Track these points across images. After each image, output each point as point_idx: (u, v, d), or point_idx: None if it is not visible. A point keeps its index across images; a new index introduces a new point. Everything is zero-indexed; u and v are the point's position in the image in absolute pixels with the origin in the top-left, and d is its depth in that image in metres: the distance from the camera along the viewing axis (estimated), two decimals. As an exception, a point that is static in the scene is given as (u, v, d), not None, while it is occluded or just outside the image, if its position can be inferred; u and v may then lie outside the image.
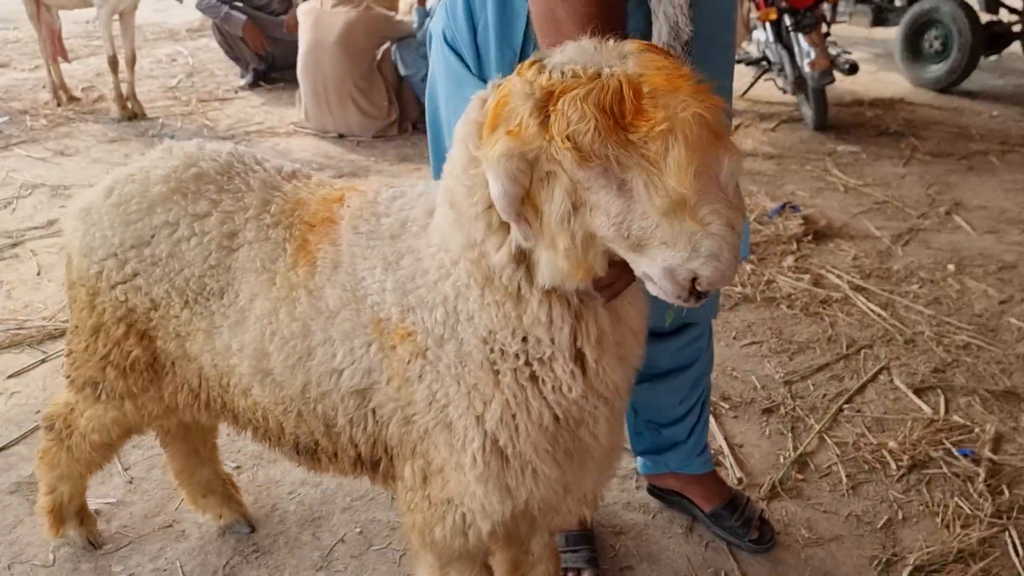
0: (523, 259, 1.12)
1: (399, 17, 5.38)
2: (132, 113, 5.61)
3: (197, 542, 2.14)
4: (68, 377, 1.74)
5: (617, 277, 1.12)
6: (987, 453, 2.43)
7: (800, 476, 2.36)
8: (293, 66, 6.43)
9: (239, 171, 1.54)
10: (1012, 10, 6.63)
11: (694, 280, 1.01)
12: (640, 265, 1.03)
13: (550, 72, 1.00)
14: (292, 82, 6.48)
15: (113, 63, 5.50)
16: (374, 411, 1.38)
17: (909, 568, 2.03)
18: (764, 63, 5.75)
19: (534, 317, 1.15)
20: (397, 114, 5.28)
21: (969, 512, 2.21)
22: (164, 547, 2.12)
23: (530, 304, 1.15)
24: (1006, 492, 2.28)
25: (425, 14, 5.07)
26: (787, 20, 5.15)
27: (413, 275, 1.27)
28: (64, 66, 6.02)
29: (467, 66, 1.58)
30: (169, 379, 1.62)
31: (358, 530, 2.18)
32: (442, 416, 1.29)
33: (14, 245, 3.77)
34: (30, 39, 8.23)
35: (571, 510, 1.46)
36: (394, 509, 2.24)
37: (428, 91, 1.75)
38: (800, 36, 5.07)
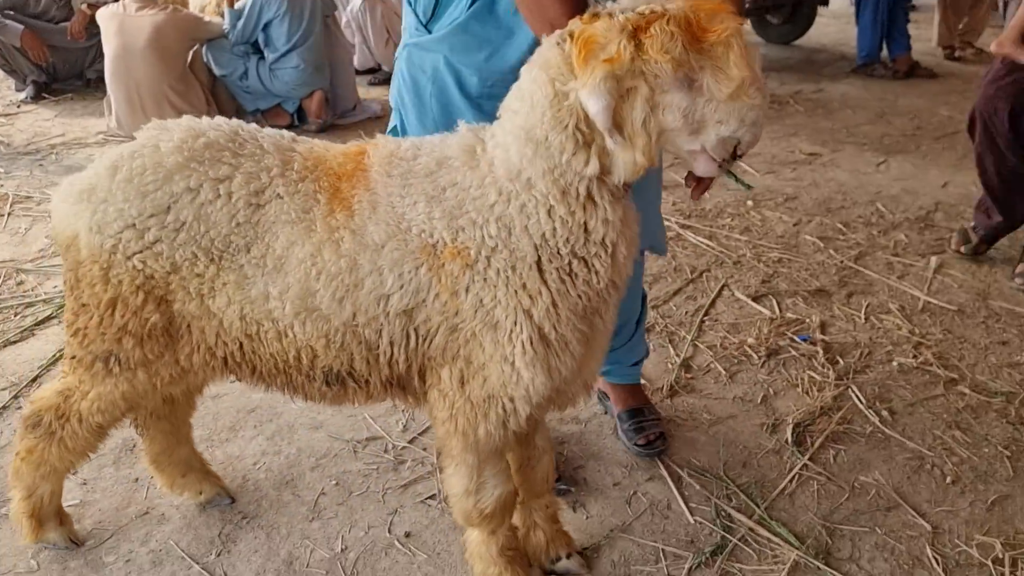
0: (595, 176, 1.43)
1: (207, 18, 5.31)
2: None
3: (181, 521, 2.20)
4: (74, 357, 1.77)
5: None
6: (819, 336, 3.04)
7: (689, 375, 2.83)
8: (78, 75, 6.15)
9: (246, 138, 1.68)
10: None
11: (736, 146, 1.38)
12: (696, 143, 1.39)
13: (618, 15, 1.32)
14: (81, 91, 6.17)
15: None
16: (417, 328, 1.61)
17: (790, 426, 2.55)
18: None
19: (602, 218, 1.46)
20: (215, 114, 5.20)
21: (820, 380, 2.79)
22: (150, 532, 2.17)
23: (599, 207, 1.46)
24: (840, 361, 2.89)
25: (237, 16, 5.07)
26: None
27: (461, 203, 1.52)
28: None
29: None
30: (184, 341, 1.72)
31: (334, 482, 2.34)
32: (488, 318, 1.55)
33: None
34: None
35: (576, 392, 1.78)
36: (361, 459, 2.43)
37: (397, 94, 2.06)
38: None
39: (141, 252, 1.64)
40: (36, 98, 5.98)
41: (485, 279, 1.54)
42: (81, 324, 1.74)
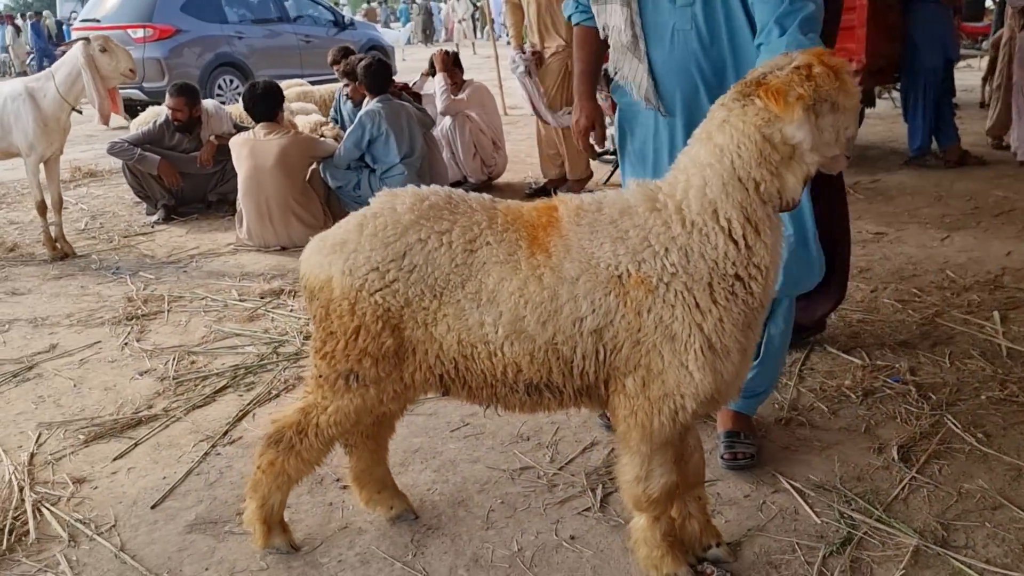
0: (777, 194, 1.91)
1: (321, 139, 6.05)
2: (63, 253, 5.80)
3: (376, 532, 2.59)
4: (320, 376, 2.23)
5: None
6: (909, 378, 3.38)
7: (796, 413, 3.18)
8: (200, 199, 6.91)
9: (458, 200, 2.18)
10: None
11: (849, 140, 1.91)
12: (836, 149, 1.90)
13: (790, 71, 1.84)
14: (203, 212, 6.91)
15: (41, 208, 5.72)
16: (606, 344, 2.03)
17: (895, 447, 2.87)
18: None
19: (764, 242, 1.91)
20: (331, 222, 5.85)
21: (916, 411, 3.11)
22: (352, 540, 2.56)
23: (763, 233, 1.91)
24: (932, 396, 3.21)
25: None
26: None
27: (644, 239, 1.97)
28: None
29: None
30: (409, 362, 2.17)
31: (500, 501, 2.72)
32: (667, 332, 1.97)
33: (29, 368, 3.97)
34: None
35: (729, 395, 2.16)
36: (518, 484, 2.81)
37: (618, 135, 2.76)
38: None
39: (382, 290, 2.11)
40: (166, 220, 6.72)
41: (664, 300, 1.97)
42: (329, 348, 2.21)
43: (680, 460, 2.28)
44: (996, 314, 3.93)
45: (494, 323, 2.06)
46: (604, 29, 2.68)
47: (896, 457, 2.81)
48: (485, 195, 2.26)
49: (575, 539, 2.50)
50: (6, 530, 2.66)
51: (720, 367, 1.99)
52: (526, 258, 2.06)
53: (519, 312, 2.04)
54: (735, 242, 1.92)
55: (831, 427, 3.06)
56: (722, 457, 2.79)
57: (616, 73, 2.72)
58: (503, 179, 7.62)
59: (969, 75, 12.77)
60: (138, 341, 4.25)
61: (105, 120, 5.57)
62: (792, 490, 2.67)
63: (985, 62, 10.88)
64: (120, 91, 6.30)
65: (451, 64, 7.09)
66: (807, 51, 1.91)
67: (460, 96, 7.06)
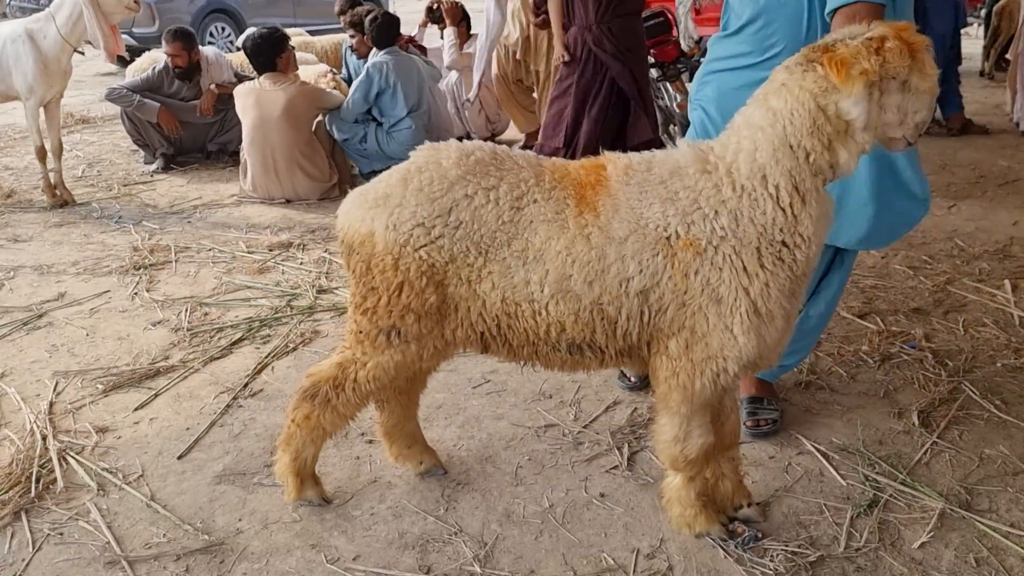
0: (830, 167, 1.88)
1: (328, 90, 5.95)
2: (63, 200, 5.71)
3: (406, 487, 2.61)
4: (360, 332, 2.21)
5: None
6: (925, 344, 3.42)
7: (815, 376, 3.21)
8: (200, 148, 6.80)
9: (503, 156, 2.15)
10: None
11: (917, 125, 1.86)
12: (899, 131, 1.85)
13: (861, 43, 1.79)
14: (202, 162, 6.81)
15: (41, 153, 5.61)
16: (651, 305, 2.02)
17: (915, 412, 2.91)
18: None
19: (809, 212, 1.90)
20: (337, 176, 5.80)
21: (934, 377, 3.15)
22: (383, 494, 2.57)
23: (809, 204, 1.89)
24: (949, 363, 3.25)
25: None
26: (654, 72, 6.27)
27: (694, 201, 1.96)
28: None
29: None
30: (451, 319, 2.16)
31: (527, 458, 2.74)
32: (714, 295, 1.97)
33: (39, 316, 3.92)
34: None
35: (771, 360, 2.17)
36: (544, 442, 2.83)
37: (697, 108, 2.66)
38: (667, 84, 6.20)
39: (427, 246, 2.09)
40: (165, 168, 6.61)
41: (712, 263, 1.96)
42: (370, 304, 2.19)
43: (716, 422, 2.29)
44: (1007, 283, 3.97)
45: (540, 282, 2.05)
46: None
47: (916, 422, 2.85)
48: (529, 151, 2.23)
49: (605, 496, 2.53)
50: (33, 478, 2.65)
51: (764, 331, 2.00)
52: (574, 217, 2.04)
53: (565, 271, 2.03)
54: (782, 209, 1.91)
55: (850, 391, 3.09)
56: (745, 424, 2.81)
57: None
58: (506, 136, 7.55)
59: (968, 43, 12.73)
60: (148, 291, 4.21)
61: (111, 58, 5.43)
62: (816, 453, 2.70)
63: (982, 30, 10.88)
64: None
65: (459, 17, 6.97)
66: (887, 23, 1.86)
67: (467, 51, 6.95)
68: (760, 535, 2.32)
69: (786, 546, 2.28)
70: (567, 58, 4.62)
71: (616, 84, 4.56)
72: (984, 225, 4.91)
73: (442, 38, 7.26)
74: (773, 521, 2.40)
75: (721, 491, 2.37)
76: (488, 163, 2.13)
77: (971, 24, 12.57)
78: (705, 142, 2.05)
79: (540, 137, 4.79)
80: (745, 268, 1.95)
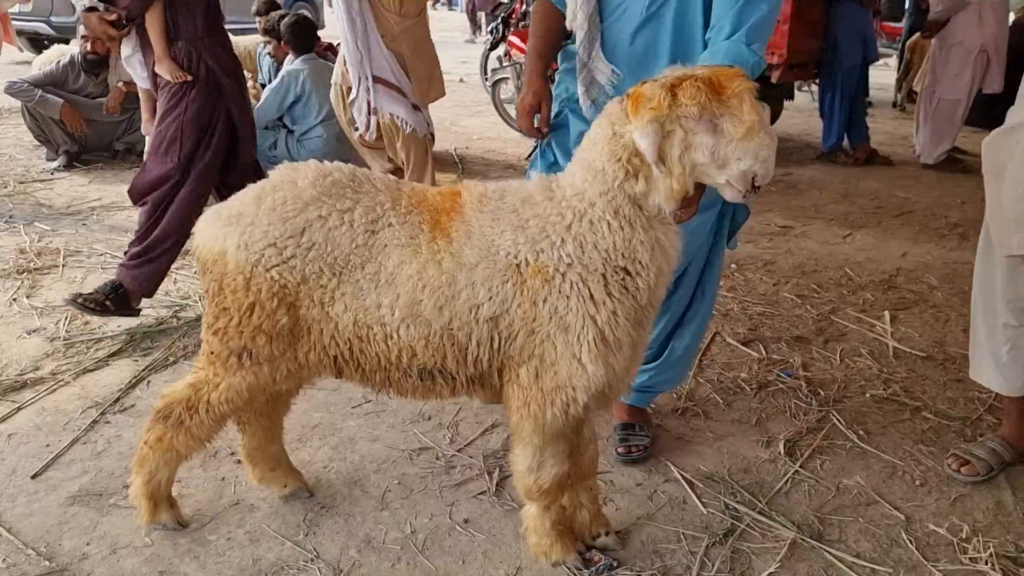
0: (642, 196, 1.89)
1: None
2: (-49, 197, 5.47)
3: (269, 510, 2.55)
4: (212, 353, 2.16)
5: (690, 203, 1.93)
6: (802, 373, 3.51)
7: (692, 403, 3.26)
8: (106, 147, 6.61)
9: (362, 179, 2.13)
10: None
11: (754, 178, 1.84)
12: (722, 176, 1.84)
13: (661, 81, 1.81)
14: (108, 161, 6.61)
15: (-71, 147, 5.36)
16: (501, 332, 2.03)
17: (782, 442, 2.98)
18: None
19: (639, 239, 1.92)
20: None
21: (804, 407, 3.23)
22: (243, 517, 2.52)
23: (636, 230, 1.91)
24: (821, 392, 3.35)
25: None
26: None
27: (542, 229, 1.97)
28: None
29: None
30: (304, 342, 2.12)
31: (396, 482, 2.71)
32: (561, 323, 1.98)
33: (-92, 321, 3.74)
34: None
35: (620, 390, 2.20)
36: (416, 465, 2.80)
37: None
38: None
39: (279, 266, 2.06)
40: (68, 167, 6.39)
41: (560, 291, 1.97)
42: (221, 324, 2.14)
43: (575, 452, 2.30)
44: (887, 314, 4.11)
45: (391, 305, 2.04)
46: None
47: (782, 451, 2.92)
48: (391, 176, 2.22)
49: (468, 523, 2.52)
50: None
51: (612, 360, 2.01)
52: (427, 242, 2.04)
53: (416, 295, 2.02)
54: (614, 234, 1.93)
55: (724, 419, 3.15)
56: (616, 451, 2.84)
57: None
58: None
59: (886, 74, 13.23)
60: (28, 297, 4.06)
61: None
62: (682, 480, 2.74)
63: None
64: (25, 24, 5.91)
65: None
66: (712, 67, 1.89)
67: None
68: (615, 564, 2.34)
69: (639, 575, 2.30)
70: (185, 77, 3.67)
71: (229, 104, 3.83)
72: (874, 255, 5.08)
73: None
74: (631, 549, 2.43)
75: (579, 520, 2.39)
76: (345, 185, 2.11)
77: (886, 56, 13.07)
78: (554, 174, 2.07)
79: (147, 157, 3.90)
80: (592, 296, 1.97)
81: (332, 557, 2.36)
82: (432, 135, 5.46)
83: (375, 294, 2.05)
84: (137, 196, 3.81)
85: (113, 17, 3.62)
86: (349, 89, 5.10)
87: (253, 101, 5.81)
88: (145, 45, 3.73)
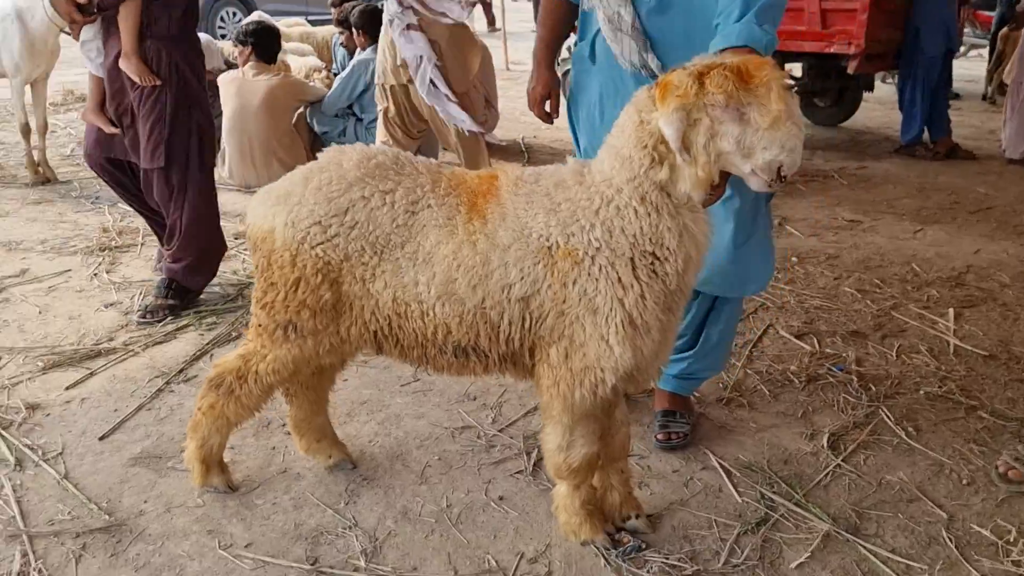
0: (668, 183, 1.91)
1: (311, 83, 6.02)
2: (44, 178, 5.82)
3: (313, 479, 2.67)
4: (260, 325, 2.28)
5: (716, 190, 1.95)
6: (854, 367, 3.45)
7: (738, 394, 3.25)
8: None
9: (404, 161, 2.21)
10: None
11: (779, 168, 1.84)
12: (747, 166, 1.85)
13: (689, 68, 1.83)
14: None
15: (25, 130, 5.71)
16: (532, 312, 2.08)
17: (826, 435, 2.95)
18: None
19: (666, 226, 1.94)
20: (314, 168, 5.87)
21: (854, 401, 3.18)
22: (289, 484, 2.64)
23: (663, 217, 1.94)
24: (872, 388, 3.28)
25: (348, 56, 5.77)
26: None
27: (573, 213, 2.01)
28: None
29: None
30: (346, 317, 2.22)
31: (437, 458, 2.80)
32: (590, 304, 2.02)
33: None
34: None
35: (651, 374, 2.23)
36: (458, 442, 2.88)
37: (569, 107, 2.72)
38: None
39: (323, 243, 2.15)
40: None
41: (589, 274, 2.01)
42: (269, 299, 2.25)
43: (606, 433, 2.34)
44: (951, 311, 3.99)
45: (427, 283, 2.11)
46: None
47: (825, 444, 2.89)
48: (433, 159, 2.29)
49: (503, 500, 2.58)
50: (-45, 450, 2.73)
51: (640, 343, 2.04)
52: (463, 223, 2.10)
53: (451, 274, 2.08)
54: (642, 220, 1.95)
55: (770, 410, 3.13)
56: (656, 438, 2.85)
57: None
58: (497, 132, 7.59)
59: (978, 64, 12.68)
60: (108, 273, 4.30)
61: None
62: (720, 468, 2.74)
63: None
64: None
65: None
66: (743, 55, 1.89)
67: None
68: (644, 546, 2.36)
69: (666, 558, 2.33)
70: (154, 80, 3.57)
71: (193, 106, 3.70)
72: (945, 251, 4.92)
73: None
74: (661, 533, 2.45)
75: (609, 501, 2.42)
76: (388, 167, 2.19)
77: (979, 47, 12.54)
78: (589, 159, 2.11)
79: (143, 160, 3.75)
80: (620, 279, 2.00)
81: (369, 526, 2.45)
82: (482, 126, 5.41)
83: (413, 272, 2.12)
84: (149, 199, 3.85)
85: (83, 1, 3.50)
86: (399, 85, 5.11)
87: (323, 88, 6.00)
88: (108, 35, 3.62)
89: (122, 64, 3.55)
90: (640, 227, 1.96)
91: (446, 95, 4.86)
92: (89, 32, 3.64)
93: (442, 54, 4.85)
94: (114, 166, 3.87)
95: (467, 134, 5.04)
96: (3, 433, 2.85)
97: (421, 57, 4.77)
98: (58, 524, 2.43)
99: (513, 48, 12.07)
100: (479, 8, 16.55)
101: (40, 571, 2.25)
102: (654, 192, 1.94)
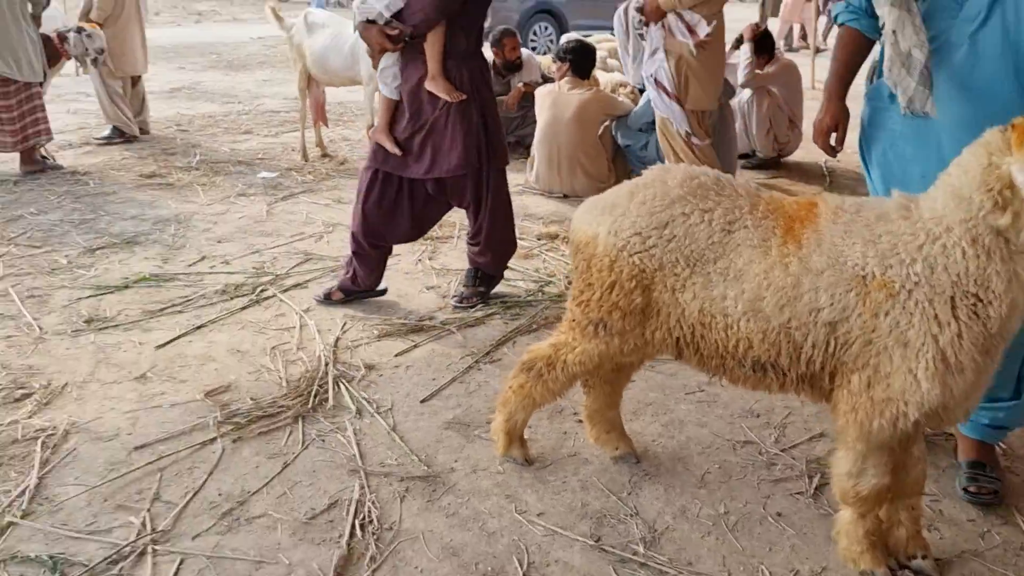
0: (1009, 230, 1.89)
1: (620, 98, 6.34)
2: (381, 172, 6.66)
3: (600, 465, 2.90)
4: (574, 320, 2.54)
5: None
6: None
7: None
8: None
9: (725, 183, 2.35)
10: None
11: None
12: None
13: None
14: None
15: (371, 130, 6.59)
16: (838, 338, 2.12)
17: None
18: None
19: (995, 269, 1.91)
20: (615, 178, 6.17)
21: None
22: (577, 467, 2.89)
23: (993, 260, 1.91)
24: None
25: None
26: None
27: (893, 246, 2.03)
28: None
29: None
30: (652, 321, 2.41)
31: (717, 466, 2.90)
32: (901, 337, 2.03)
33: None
34: (256, 111, 9.59)
35: (957, 415, 2.17)
36: (738, 455, 2.97)
37: (861, 142, 2.73)
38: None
39: (641, 252, 2.36)
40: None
41: (904, 307, 2.02)
42: (585, 298, 2.50)
43: (900, 467, 2.31)
44: None
45: (735, 298, 2.23)
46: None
47: None
48: (752, 183, 2.41)
49: (781, 516, 2.63)
50: (312, 394, 3.31)
51: (951, 382, 2.02)
52: (777, 245, 2.20)
53: (760, 292, 2.19)
54: (969, 261, 1.93)
55: (1088, 476, 2.86)
56: (966, 490, 2.70)
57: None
58: (793, 157, 7.44)
59: None
60: (430, 260, 4.88)
61: None
62: (1023, 527, 2.58)
63: None
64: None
65: (759, 38, 7.00)
66: None
67: (767, 70, 6.97)
68: (928, 589, 2.31)
69: (954, 607, 2.26)
70: (460, 96, 3.86)
71: (485, 112, 4.01)
72: None
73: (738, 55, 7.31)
74: (949, 581, 2.37)
75: (895, 537, 2.38)
76: (709, 188, 2.34)
77: None
78: (916, 195, 2.11)
79: (442, 168, 4.03)
80: (937, 316, 1.99)
81: (649, 517, 2.63)
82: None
83: (722, 287, 2.26)
84: (459, 201, 4.21)
85: (395, 32, 3.78)
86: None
87: (630, 103, 6.27)
88: (407, 62, 3.92)
89: (429, 85, 3.89)
90: (966, 267, 1.94)
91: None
92: (388, 60, 3.98)
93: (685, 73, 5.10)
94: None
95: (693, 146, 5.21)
96: (348, 386, 3.40)
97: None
98: (387, 467, 2.88)
99: (821, 66, 11.61)
100: (796, 27, 16.03)
101: (373, 502, 2.69)
102: (988, 236, 1.91)
